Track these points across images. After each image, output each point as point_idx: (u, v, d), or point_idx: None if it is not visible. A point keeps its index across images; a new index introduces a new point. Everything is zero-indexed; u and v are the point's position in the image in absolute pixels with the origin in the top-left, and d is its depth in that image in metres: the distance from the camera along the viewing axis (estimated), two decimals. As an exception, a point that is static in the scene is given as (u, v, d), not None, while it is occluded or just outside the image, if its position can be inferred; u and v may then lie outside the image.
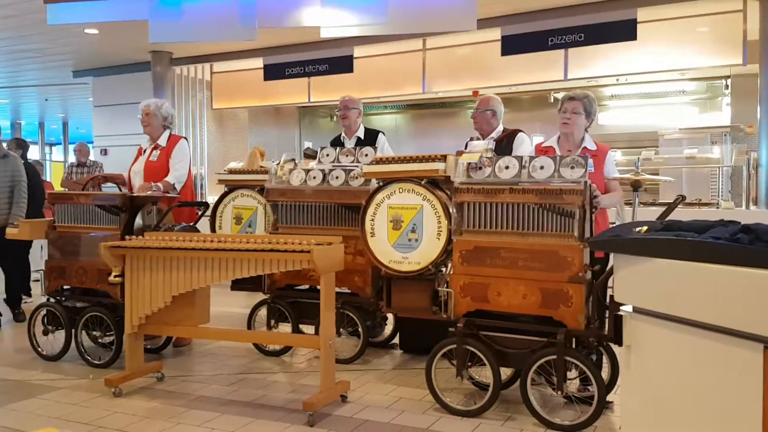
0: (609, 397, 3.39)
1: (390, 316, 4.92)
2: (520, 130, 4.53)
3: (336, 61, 8.36)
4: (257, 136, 10.48)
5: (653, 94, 8.61)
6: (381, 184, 3.87)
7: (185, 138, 5.07)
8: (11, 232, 4.71)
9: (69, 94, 13.16)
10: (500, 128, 4.56)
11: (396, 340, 4.88)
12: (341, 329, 4.37)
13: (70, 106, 15.25)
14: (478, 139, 4.49)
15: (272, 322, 4.56)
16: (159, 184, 4.57)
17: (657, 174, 6.68)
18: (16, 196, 5.73)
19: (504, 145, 4.35)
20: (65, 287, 4.54)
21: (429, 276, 3.80)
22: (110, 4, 5.37)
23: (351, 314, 4.35)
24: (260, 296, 4.67)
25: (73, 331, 4.44)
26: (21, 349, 4.80)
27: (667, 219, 2.67)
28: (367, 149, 4.44)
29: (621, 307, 2.19)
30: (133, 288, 3.78)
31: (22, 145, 7.15)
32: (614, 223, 3.67)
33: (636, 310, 2.13)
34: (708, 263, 1.86)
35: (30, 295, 6.96)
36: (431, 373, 3.53)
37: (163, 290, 3.69)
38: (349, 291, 4.31)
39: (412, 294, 3.85)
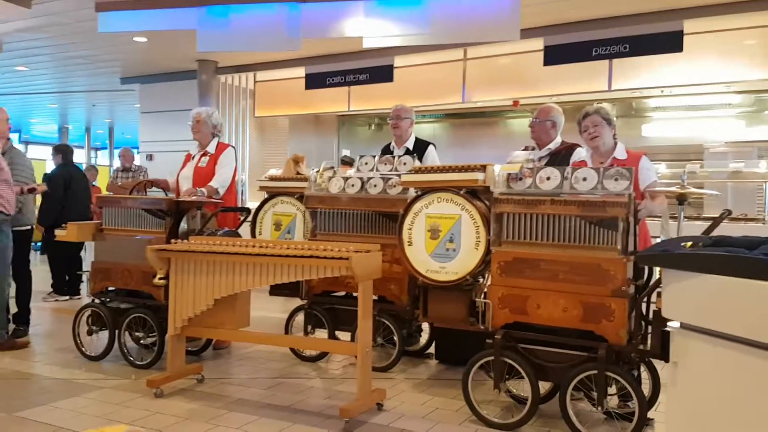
0: (650, 414, 3.32)
1: (425, 325, 4.91)
2: (579, 145, 4.40)
3: (376, 70, 8.42)
4: (297, 143, 10.60)
5: (698, 106, 8.43)
6: (419, 193, 3.88)
7: (233, 146, 5.18)
8: (60, 234, 4.85)
9: (116, 100, 13.50)
10: (558, 140, 4.46)
11: (431, 350, 4.87)
12: (377, 337, 4.38)
13: (117, 111, 15.64)
14: (534, 149, 4.45)
15: (309, 327, 4.59)
16: (203, 189, 4.67)
17: (702, 188, 6.54)
18: None
19: (561, 158, 4.25)
20: (110, 288, 4.66)
21: (466, 286, 3.79)
22: (159, 13, 5.51)
23: (387, 322, 4.35)
24: (298, 302, 4.71)
25: (116, 331, 4.55)
26: (65, 349, 4.92)
27: (715, 234, 2.62)
28: (406, 158, 4.46)
29: (668, 323, 2.15)
30: (176, 290, 3.85)
31: (60, 150, 7.40)
32: (658, 236, 3.61)
33: (684, 326, 2.09)
34: (760, 280, 1.82)
35: (79, 294, 7.24)
36: (468, 384, 3.51)
37: (206, 293, 3.75)
38: (385, 299, 4.32)
39: (449, 304, 3.84)
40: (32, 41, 8.50)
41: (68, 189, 7.04)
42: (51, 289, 7.32)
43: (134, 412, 3.60)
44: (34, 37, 8.26)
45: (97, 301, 4.68)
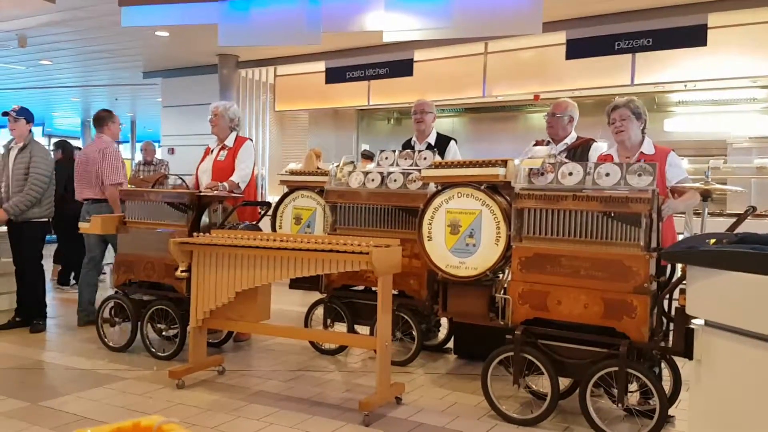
0: (670, 411, 3.29)
1: (444, 320, 4.91)
2: (594, 140, 4.42)
3: (396, 64, 8.40)
4: (316, 138, 10.63)
5: (722, 101, 8.31)
6: (440, 188, 3.87)
7: (251, 140, 5.20)
8: (83, 227, 4.91)
9: (138, 94, 13.63)
10: (574, 135, 4.49)
11: (450, 345, 4.87)
12: (396, 331, 4.39)
13: (139, 105, 15.80)
14: (548, 143, 4.43)
15: (328, 321, 4.62)
16: (225, 184, 4.70)
17: (725, 183, 6.45)
18: (27, 187, 5.20)
19: (579, 153, 4.26)
20: (132, 280, 4.71)
21: (486, 282, 3.77)
22: (182, 7, 5.57)
23: (406, 317, 4.36)
24: (317, 295, 4.74)
25: (139, 323, 4.61)
26: (89, 339, 4.99)
27: (740, 231, 2.59)
28: (426, 153, 4.45)
29: (692, 321, 2.13)
30: (198, 283, 3.89)
31: (60, 146, 7.64)
32: (682, 233, 3.58)
33: (708, 323, 2.07)
34: (786, 278, 1.79)
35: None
36: (487, 379, 3.51)
37: (227, 286, 3.78)
38: (404, 293, 4.32)
39: (468, 299, 3.83)
40: (56, 35, 8.61)
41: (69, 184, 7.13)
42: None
43: (156, 402, 3.65)
44: (57, 31, 8.36)
45: (120, 292, 4.74)
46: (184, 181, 5.05)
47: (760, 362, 1.87)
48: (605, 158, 3.73)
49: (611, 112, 3.76)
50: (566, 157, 4.08)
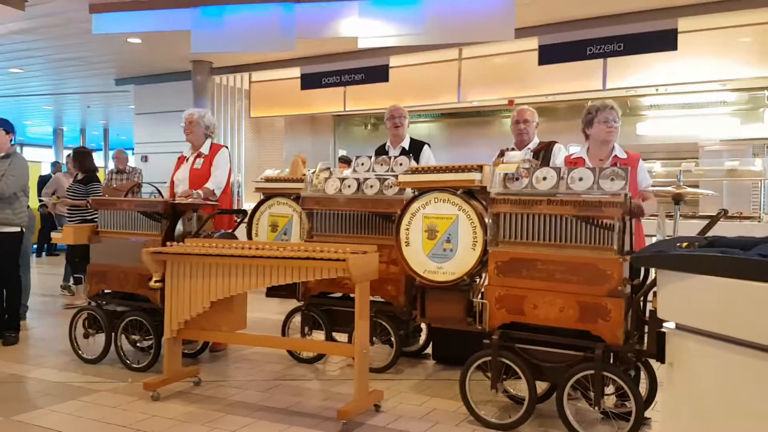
0: (647, 413, 3.33)
1: (423, 325, 4.91)
2: (556, 141, 4.54)
3: (372, 70, 8.42)
4: (293, 144, 10.59)
5: (693, 104, 8.45)
6: (416, 193, 3.87)
7: (226, 147, 5.16)
8: (56, 237, 4.83)
9: (111, 101, 13.47)
10: (536, 140, 4.60)
11: (429, 350, 4.87)
12: (374, 338, 4.38)
13: (112, 113, 15.61)
14: (513, 149, 4.47)
15: (306, 329, 4.59)
16: (199, 191, 4.66)
17: (697, 186, 6.56)
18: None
19: (542, 156, 4.35)
20: (106, 291, 4.64)
21: (464, 287, 3.79)
22: (154, 14, 5.52)
23: (384, 323, 4.35)
24: (294, 303, 4.71)
25: (113, 334, 4.53)
26: (62, 352, 4.91)
27: (711, 234, 2.63)
28: (402, 159, 4.46)
29: (664, 324, 2.16)
30: (172, 293, 3.84)
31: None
32: (654, 235, 3.62)
33: (679, 327, 2.09)
34: (754, 281, 1.82)
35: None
36: (465, 385, 3.51)
37: (202, 296, 3.74)
38: (382, 300, 4.32)
39: (446, 304, 3.84)
40: (26, 43, 8.47)
41: None
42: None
43: (131, 415, 3.59)
44: (27, 39, 8.24)
45: (93, 303, 4.67)
46: (159, 191, 4.99)
47: (729, 365, 1.90)
48: (575, 162, 3.76)
49: (606, 111, 3.68)
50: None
